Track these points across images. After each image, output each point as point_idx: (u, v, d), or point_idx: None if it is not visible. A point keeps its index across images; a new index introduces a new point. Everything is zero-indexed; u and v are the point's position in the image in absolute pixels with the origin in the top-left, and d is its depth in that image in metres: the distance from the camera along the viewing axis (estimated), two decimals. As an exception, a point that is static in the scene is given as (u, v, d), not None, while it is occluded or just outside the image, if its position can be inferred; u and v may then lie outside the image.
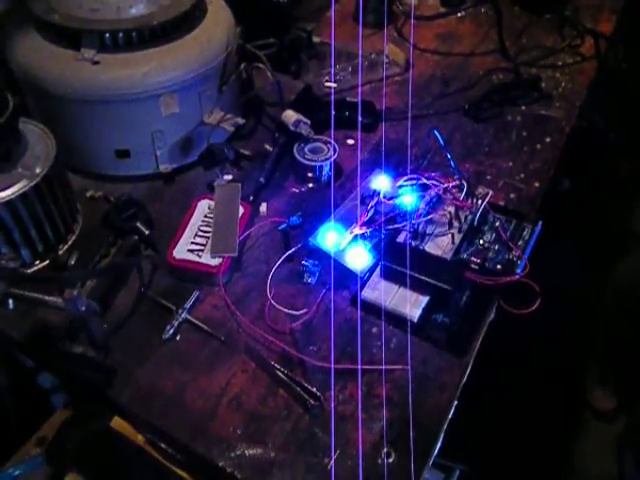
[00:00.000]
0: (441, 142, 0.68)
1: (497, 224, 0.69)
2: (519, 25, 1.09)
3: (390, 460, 0.51)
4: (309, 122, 0.75)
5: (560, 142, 0.85)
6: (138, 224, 0.67)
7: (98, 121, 0.68)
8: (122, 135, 0.70)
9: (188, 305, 0.61)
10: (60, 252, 0.66)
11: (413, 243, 0.66)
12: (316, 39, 1.02)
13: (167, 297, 0.62)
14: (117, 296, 0.63)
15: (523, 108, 0.90)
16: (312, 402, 0.54)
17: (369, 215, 0.68)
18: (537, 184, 0.78)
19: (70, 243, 0.67)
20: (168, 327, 0.59)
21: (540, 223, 0.69)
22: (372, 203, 0.67)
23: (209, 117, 0.73)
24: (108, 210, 0.68)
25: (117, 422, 0.55)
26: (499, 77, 0.97)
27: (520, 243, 0.67)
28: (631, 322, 1.42)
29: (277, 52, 0.90)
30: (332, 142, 0.76)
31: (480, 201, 0.67)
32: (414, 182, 0.68)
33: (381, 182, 0.72)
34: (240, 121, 0.74)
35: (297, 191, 0.76)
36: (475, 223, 0.66)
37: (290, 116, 0.73)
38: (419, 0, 1.16)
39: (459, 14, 1.12)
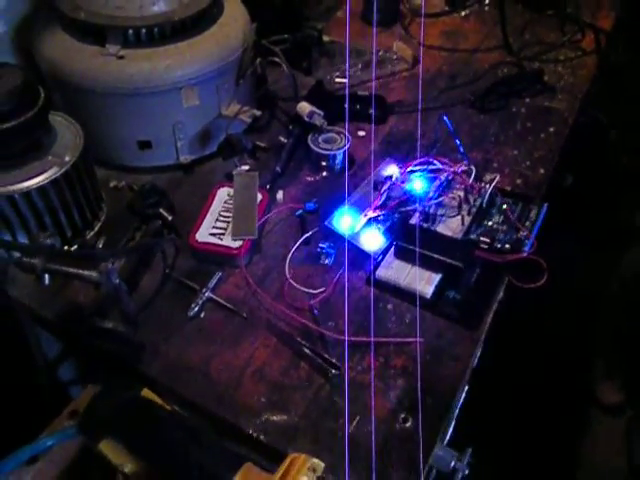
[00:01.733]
0: (450, 128, 0.71)
1: (505, 206, 0.72)
2: (522, 22, 1.12)
3: (407, 425, 0.54)
4: (322, 113, 0.78)
5: (564, 132, 0.88)
6: (161, 210, 0.70)
7: (122, 113, 0.72)
8: (144, 126, 0.73)
9: (212, 285, 0.64)
10: (87, 237, 0.69)
11: (424, 225, 0.69)
12: (326, 38, 1.06)
13: (190, 278, 0.65)
14: (142, 278, 0.65)
15: (527, 100, 0.93)
16: (333, 371, 0.56)
17: (382, 199, 0.71)
18: (542, 170, 0.81)
19: (96, 229, 0.71)
20: (193, 305, 0.62)
21: (546, 205, 0.71)
22: (385, 187, 0.70)
23: (227, 109, 0.77)
24: (133, 197, 0.71)
25: (146, 393, 0.57)
26: (503, 71, 1.00)
27: (527, 224, 0.69)
28: (638, 314, 1.44)
29: (289, 49, 0.93)
30: (345, 132, 0.79)
31: (488, 185, 0.70)
32: (425, 166, 0.71)
33: (392, 169, 0.75)
34: (257, 113, 0.77)
35: (312, 179, 0.79)
36: (484, 205, 0.69)
37: (304, 107, 0.77)
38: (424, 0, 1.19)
39: (463, 13, 1.15)
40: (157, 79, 0.69)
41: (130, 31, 0.69)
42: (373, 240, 0.68)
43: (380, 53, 1.00)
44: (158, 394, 0.58)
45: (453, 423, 0.84)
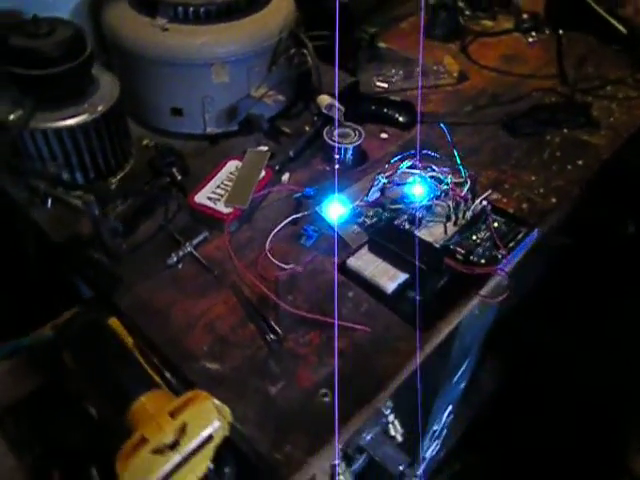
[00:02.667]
0: (448, 136, 0.72)
1: (495, 224, 0.72)
2: (589, 54, 1.09)
3: (325, 399, 0.56)
4: (342, 108, 0.82)
5: (593, 166, 0.85)
6: (174, 170, 0.77)
7: (160, 80, 0.80)
8: (177, 95, 0.81)
9: (195, 242, 0.70)
10: (107, 182, 0.77)
11: (407, 226, 0.70)
12: (382, 44, 1.10)
13: (180, 233, 0.72)
14: (142, 224, 0.73)
15: (565, 131, 0.91)
16: (272, 336, 0.60)
17: (373, 196, 0.74)
18: (554, 200, 0.79)
19: (118, 178, 0.79)
20: (173, 255, 0.68)
21: (536, 230, 0.71)
22: (375, 184, 0.73)
23: (255, 91, 0.83)
24: (153, 155, 0.79)
25: (114, 322, 0.64)
26: (551, 99, 0.98)
27: (511, 244, 0.69)
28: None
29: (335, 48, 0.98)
30: (359, 129, 0.82)
31: (478, 199, 0.70)
32: (416, 169, 0.73)
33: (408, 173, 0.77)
34: (281, 98, 0.83)
35: (321, 169, 0.83)
36: (468, 217, 0.70)
37: (324, 99, 0.81)
38: (495, 23, 1.19)
39: (530, 39, 1.14)
40: (191, 54, 0.76)
41: (180, 8, 0.77)
42: (355, 232, 0.71)
43: (428, 65, 1.02)
44: (124, 325, 0.65)
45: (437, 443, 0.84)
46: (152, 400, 0.50)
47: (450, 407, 0.99)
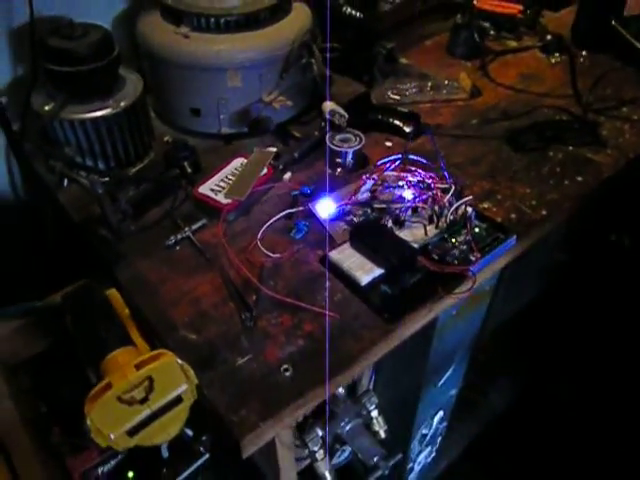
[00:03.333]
0: (434, 144, 0.76)
1: (476, 230, 0.74)
2: (610, 76, 1.09)
3: (286, 374, 0.61)
4: (346, 115, 0.87)
5: (591, 183, 0.86)
6: (185, 163, 0.84)
7: (181, 82, 0.88)
8: (196, 97, 0.89)
9: (194, 227, 0.77)
10: (126, 172, 0.86)
11: (390, 225, 0.74)
12: (403, 60, 1.14)
13: (184, 220, 0.79)
14: (150, 210, 0.80)
15: (570, 148, 0.93)
16: (246, 315, 0.66)
17: (362, 195, 0.78)
18: (544, 212, 0.81)
19: (137, 168, 0.87)
20: (172, 237, 0.75)
21: (514, 237, 0.73)
22: (364, 185, 0.77)
23: (267, 96, 0.89)
24: (168, 149, 0.87)
25: (114, 294, 0.71)
26: (561, 117, 1.00)
27: (487, 249, 0.72)
28: None
29: (352, 61, 1.04)
30: (360, 135, 0.87)
31: (457, 204, 0.73)
32: (400, 171, 0.77)
33: (396, 176, 0.81)
34: (289, 104, 0.89)
35: (323, 171, 0.88)
36: (449, 222, 0.73)
37: (327, 106, 0.87)
38: (519, 43, 1.22)
39: (553, 60, 1.16)
40: (208, 59, 0.84)
41: (202, 18, 0.85)
42: (342, 229, 0.76)
43: (442, 81, 1.05)
44: (122, 295, 0.72)
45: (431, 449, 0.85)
46: (124, 354, 0.56)
47: (441, 413, 1.00)
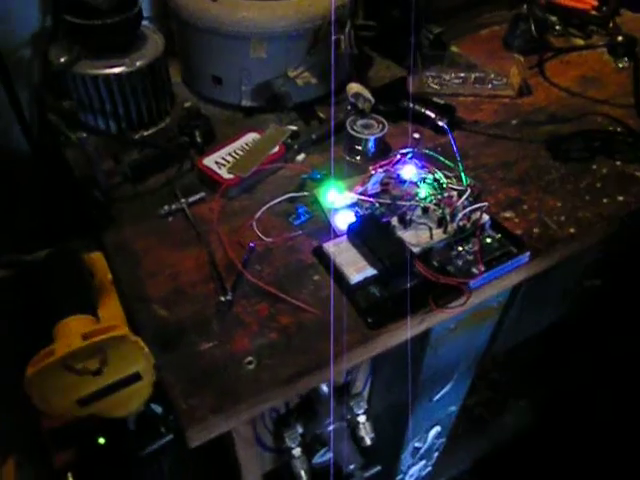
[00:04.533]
0: (452, 141, 0.69)
1: (487, 240, 0.68)
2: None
3: (249, 367, 0.57)
4: (372, 100, 0.81)
5: (634, 205, 0.76)
6: (196, 132, 0.81)
7: (205, 47, 0.84)
8: (218, 64, 0.85)
9: (191, 199, 0.74)
10: (136, 135, 0.83)
11: (396, 224, 0.68)
12: (454, 48, 1.06)
13: (184, 190, 0.76)
14: (152, 177, 0.78)
15: (618, 163, 0.83)
16: (221, 298, 0.62)
17: (371, 187, 0.72)
18: (572, 230, 0.72)
19: (150, 132, 0.85)
20: (166, 207, 0.73)
21: (527, 254, 0.65)
22: (373, 178, 0.71)
23: (292, 72, 0.84)
24: (183, 116, 0.84)
25: (98, 257, 0.69)
26: (616, 129, 0.89)
27: (494, 263, 0.65)
28: None
29: (395, 43, 0.98)
30: (384, 122, 0.81)
31: (468, 210, 0.66)
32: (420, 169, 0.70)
33: (409, 170, 0.75)
34: (313, 81, 0.84)
35: (340, 156, 0.83)
36: (457, 227, 0.66)
37: (351, 88, 0.81)
38: (587, 42, 1.11)
39: (621, 65, 1.04)
40: (232, 25, 0.80)
41: (232, -18, 0.81)
42: (345, 220, 0.71)
43: (490, 74, 0.97)
44: (106, 259, 0.70)
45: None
46: (77, 322, 0.54)
47: (438, 428, 0.94)
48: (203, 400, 0.54)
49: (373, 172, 0.71)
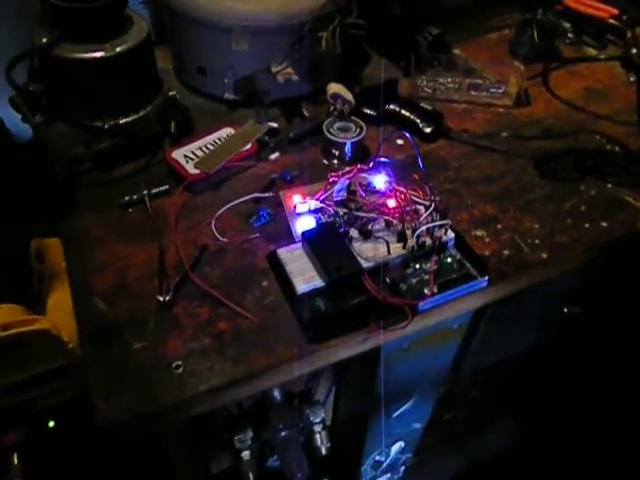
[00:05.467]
0: (417, 153, 0.65)
1: (447, 259, 0.64)
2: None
3: (177, 371, 0.56)
4: (352, 102, 0.79)
5: (618, 232, 0.72)
6: (172, 122, 0.80)
7: (191, 36, 0.83)
8: (203, 54, 0.84)
9: (153, 191, 0.73)
10: (117, 121, 0.82)
11: (353, 234, 0.66)
12: (457, 51, 1.02)
13: (150, 182, 0.74)
14: (122, 165, 0.77)
15: (609, 186, 0.78)
16: (161, 299, 0.61)
17: (336, 194, 0.70)
18: (545, 255, 0.69)
19: (126, 120, 0.83)
20: (127, 198, 0.72)
21: (486, 279, 0.62)
22: (333, 186, 0.69)
23: (275, 67, 0.82)
24: (159, 104, 0.82)
25: (55, 243, 0.69)
26: (613, 148, 0.84)
27: (450, 285, 0.62)
28: None
29: (392, 43, 0.94)
30: (362, 125, 0.78)
31: (424, 228, 0.63)
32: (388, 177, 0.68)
33: (380, 180, 0.72)
34: (294, 78, 0.81)
35: (314, 158, 0.80)
36: (414, 244, 0.63)
37: (331, 88, 0.78)
38: (601, 53, 1.05)
39: (632, 78, 0.98)
40: (217, 15, 0.78)
41: (221, -30, 0.79)
42: (305, 226, 0.68)
43: (487, 82, 0.92)
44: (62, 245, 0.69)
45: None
46: (3, 311, 0.53)
47: (402, 444, 0.92)
48: (121, 401, 0.53)
49: (332, 179, 0.68)
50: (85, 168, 0.76)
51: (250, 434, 0.79)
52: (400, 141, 0.84)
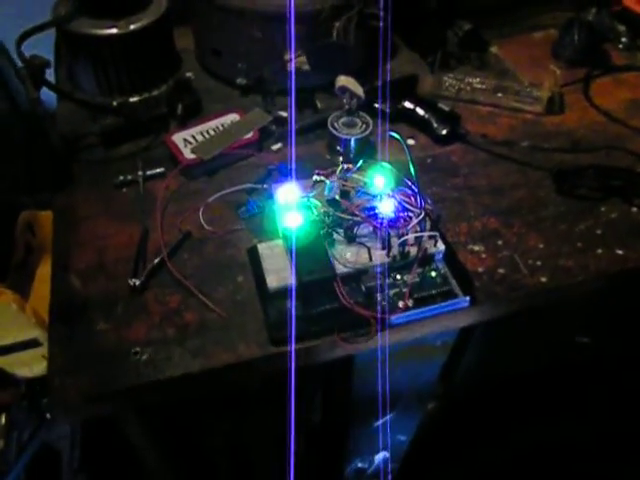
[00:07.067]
0: (409, 156, 0.61)
1: (432, 273, 0.61)
2: None
3: (136, 357, 0.55)
4: (361, 97, 0.75)
5: (632, 263, 0.65)
6: (179, 104, 0.79)
7: (207, 18, 0.82)
8: (218, 37, 0.82)
9: (148, 173, 0.72)
10: (128, 100, 0.83)
11: (337, 236, 0.63)
12: (494, 49, 0.96)
13: (149, 163, 0.74)
14: (123, 143, 0.77)
15: (633, 210, 0.71)
16: (130, 282, 0.60)
17: (328, 192, 0.67)
18: (544, 279, 0.63)
19: (133, 99, 0.83)
20: (122, 177, 0.72)
21: (467, 299, 0.58)
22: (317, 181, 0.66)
23: (287, 55, 0.79)
24: (172, 85, 0.82)
25: (47, 217, 0.70)
26: (649, 169, 0.77)
27: (428, 301, 0.58)
28: None
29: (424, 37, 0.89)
30: (369, 121, 0.74)
31: (423, 237, 0.60)
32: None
33: (378, 180, 0.69)
34: (305, 67, 0.78)
35: (318, 152, 0.78)
36: (397, 253, 0.60)
37: (339, 80, 0.75)
38: (657, 60, 0.95)
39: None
40: (234, 2, 0.76)
41: (241, -47, 0.77)
42: (293, 221, 0.66)
43: (522, 84, 0.86)
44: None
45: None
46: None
47: (386, 454, 0.89)
48: (78, 382, 0.53)
49: (316, 176, 0.65)
50: (88, 143, 0.77)
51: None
52: (411, 141, 0.80)
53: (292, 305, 0.58)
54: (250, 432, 0.79)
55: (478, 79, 0.87)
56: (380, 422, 0.78)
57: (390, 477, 0.98)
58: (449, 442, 0.98)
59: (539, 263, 0.65)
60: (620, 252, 0.67)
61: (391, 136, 0.62)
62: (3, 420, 0.81)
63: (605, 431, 1.05)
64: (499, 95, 0.86)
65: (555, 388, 0.87)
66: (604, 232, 0.69)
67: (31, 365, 0.63)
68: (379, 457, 0.89)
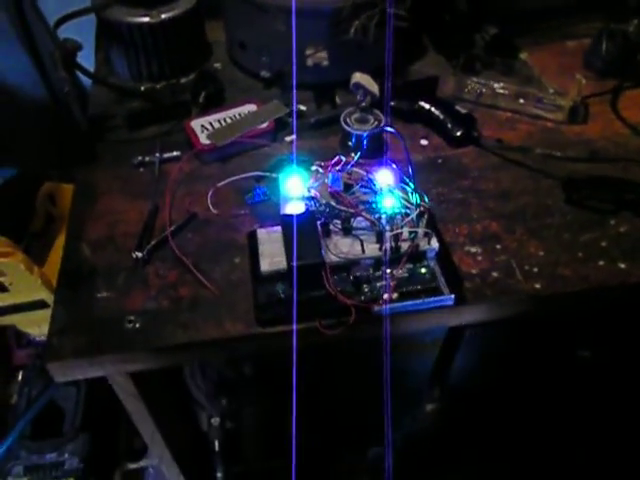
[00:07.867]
0: (407, 158, 0.62)
1: (421, 270, 0.61)
2: None
3: (129, 325, 0.59)
4: (376, 94, 0.76)
5: (634, 278, 0.64)
6: (203, 92, 0.83)
7: (234, 10, 0.85)
8: (244, 30, 0.85)
9: (165, 155, 0.76)
10: (155, 85, 0.87)
11: (334, 227, 0.64)
12: (523, 55, 0.95)
13: (167, 146, 0.78)
14: (147, 126, 0.81)
15: (645, 226, 0.70)
16: (133, 254, 0.64)
17: (331, 184, 0.69)
18: (538, 286, 0.63)
19: (160, 85, 0.87)
20: (140, 157, 0.76)
21: (452, 297, 0.58)
22: (326, 176, 0.67)
23: (309, 50, 0.82)
24: (196, 76, 0.85)
25: (68, 190, 0.75)
26: (669, 185, 0.74)
27: (413, 296, 0.59)
28: None
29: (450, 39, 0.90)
30: (382, 117, 0.76)
31: (415, 233, 0.60)
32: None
33: (384, 175, 0.70)
34: (325, 63, 0.80)
35: (331, 146, 0.79)
36: (388, 248, 0.61)
37: (354, 77, 0.76)
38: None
39: None
40: (258, -3, 0.79)
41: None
42: (292, 211, 0.68)
43: (545, 92, 0.85)
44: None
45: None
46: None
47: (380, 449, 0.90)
48: (73, 341, 0.57)
49: (316, 167, 0.67)
50: (114, 124, 0.81)
51: (223, 403, 0.81)
52: (424, 142, 0.81)
53: (294, 289, 0.60)
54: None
55: (501, 84, 0.87)
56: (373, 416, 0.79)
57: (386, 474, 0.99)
58: (448, 443, 0.98)
59: (536, 270, 0.65)
60: (623, 266, 0.65)
61: (387, 131, 0.63)
62: (20, 377, 0.87)
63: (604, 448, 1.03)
64: (521, 101, 0.85)
65: (553, 399, 0.86)
66: (609, 245, 0.67)
67: (40, 325, 0.67)
68: (373, 452, 0.90)
